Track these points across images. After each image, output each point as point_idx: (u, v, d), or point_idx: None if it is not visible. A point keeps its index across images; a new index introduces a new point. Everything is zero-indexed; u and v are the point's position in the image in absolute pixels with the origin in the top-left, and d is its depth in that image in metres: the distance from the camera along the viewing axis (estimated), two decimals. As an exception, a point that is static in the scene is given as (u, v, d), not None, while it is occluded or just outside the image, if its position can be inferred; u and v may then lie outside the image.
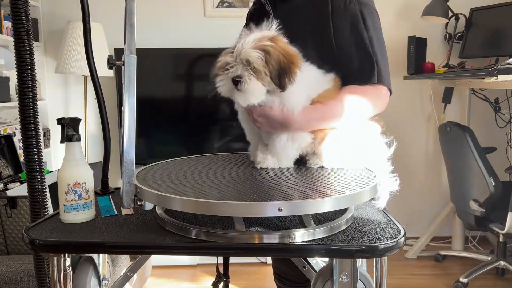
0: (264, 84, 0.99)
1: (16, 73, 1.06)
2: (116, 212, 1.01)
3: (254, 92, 0.99)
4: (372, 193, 0.91)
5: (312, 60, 1.10)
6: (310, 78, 1.07)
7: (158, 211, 0.96)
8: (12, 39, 1.05)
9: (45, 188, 1.12)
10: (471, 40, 2.90)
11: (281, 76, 0.99)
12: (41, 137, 1.10)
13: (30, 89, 1.06)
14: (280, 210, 0.78)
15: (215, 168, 1.10)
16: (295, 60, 1.01)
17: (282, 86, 1.00)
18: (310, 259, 1.01)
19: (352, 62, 1.15)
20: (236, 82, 0.98)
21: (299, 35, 1.13)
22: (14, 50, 1.05)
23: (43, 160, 1.12)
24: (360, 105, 1.13)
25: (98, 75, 1.14)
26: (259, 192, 0.85)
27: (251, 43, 0.98)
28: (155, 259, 2.74)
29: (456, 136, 2.49)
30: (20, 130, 1.09)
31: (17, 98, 1.07)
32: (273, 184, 0.92)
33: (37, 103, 1.10)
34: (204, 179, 0.97)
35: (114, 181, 3.31)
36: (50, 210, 2.04)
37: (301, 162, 1.11)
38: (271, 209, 0.78)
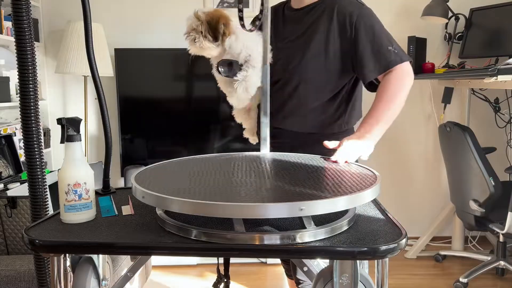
0: (209, 40, 1.35)
1: (17, 73, 1.06)
2: (116, 213, 1.01)
3: (206, 46, 1.36)
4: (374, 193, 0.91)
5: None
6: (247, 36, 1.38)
7: (158, 211, 0.96)
8: (13, 39, 1.05)
9: (46, 188, 1.12)
10: (471, 40, 2.90)
11: (213, 31, 1.36)
12: (42, 137, 1.10)
13: (32, 89, 1.06)
14: (277, 210, 0.78)
15: (215, 168, 1.10)
16: (221, 20, 1.36)
17: (215, 38, 1.36)
18: (311, 260, 1.01)
19: (369, 60, 1.33)
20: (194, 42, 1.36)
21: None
22: (15, 50, 1.05)
23: (43, 160, 1.12)
24: (402, 91, 1.32)
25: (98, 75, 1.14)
26: (259, 192, 0.85)
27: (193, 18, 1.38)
28: (155, 259, 2.74)
29: (456, 136, 2.49)
30: (21, 130, 1.09)
31: (18, 98, 1.07)
32: (273, 184, 0.92)
33: (38, 103, 1.10)
34: (204, 180, 0.97)
35: (115, 181, 3.32)
36: (50, 210, 2.04)
37: (304, 163, 1.11)
38: (269, 210, 0.78)
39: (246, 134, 1.62)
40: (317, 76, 1.37)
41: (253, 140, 1.60)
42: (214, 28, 1.36)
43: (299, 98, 1.40)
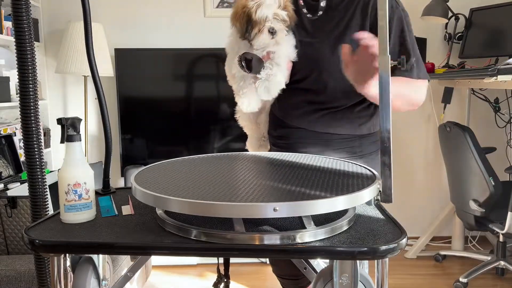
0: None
1: (17, 73, 1.06)
2: (116, 213, 1.01)
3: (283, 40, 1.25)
4: (372, 193, 0.91)
5: None
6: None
7: (158, 211, 0.96)
8: (13, 39, 1.05)
9: (46, 188, 1.12)
10: (471, 40, 2.90)
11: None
12: (42, 137, 1.10)
13: (32, 89, 1.06)
14: (275, 210, 0.78)
15: (215, 168, 1.10)
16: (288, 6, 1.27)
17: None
18: (311, 260, 1.01)
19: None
20: (273, 33, 1.22)
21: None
22: (15, 50, 1.05)
23: (43, 160, 1.12)
24: (407, 88, 1.27)
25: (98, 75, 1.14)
26: (259, 192, 0.85)
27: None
28: (155, 259, 2.74)
29: (456, 136, 2.49)
30: (21, 130, 1.09)
31: (18, 98, 1.07)
32: (272, 184, 0.92)
33: (38, 103, 1.10)
34: (203, 180, 0.97)
35: (115, 181, 3.32)
36: (50, 211, 2.04)
37: (304, 163, 1.11)
38: (267, 210, 0.78)
39: (249, 145, 1.52)
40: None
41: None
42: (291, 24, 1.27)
43: (326, 96, 1.33)
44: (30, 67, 1.05)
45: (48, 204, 1.13)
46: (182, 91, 2.95)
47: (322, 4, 1.33)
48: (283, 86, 1.27)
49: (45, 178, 1.11)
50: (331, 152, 1.34)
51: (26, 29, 1.03)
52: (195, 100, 2.95)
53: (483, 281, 2.60)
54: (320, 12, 1.34)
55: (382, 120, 0.91)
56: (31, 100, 1.06)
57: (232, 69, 1.29)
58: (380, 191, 0.91)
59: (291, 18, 1.26)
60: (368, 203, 0.91)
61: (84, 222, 0.96)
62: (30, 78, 1.06)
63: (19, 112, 1.08)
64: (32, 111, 1.07)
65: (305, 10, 1.36)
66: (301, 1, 1.36)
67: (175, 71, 2.95)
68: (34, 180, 1.09)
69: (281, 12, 1.22)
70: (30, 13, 1.04)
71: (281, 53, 1.26)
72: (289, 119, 1.39)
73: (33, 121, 1.07)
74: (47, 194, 1.12)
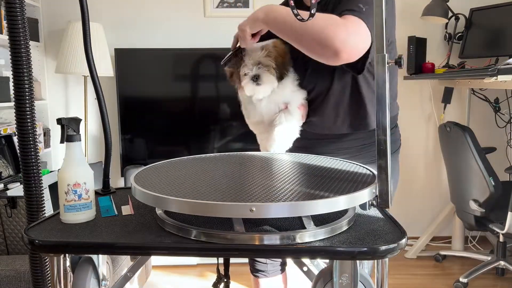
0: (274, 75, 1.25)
1: (11, 73, 1.05)
2: (116, 213, 1.01)
3: (270, 82, 1.25)
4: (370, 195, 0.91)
5: None
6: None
7: (158, 211, 0.96)
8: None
9: (42, 192, 1.11)
10: (471, 40, 2.90)
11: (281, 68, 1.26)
12: (41, 137, 1.10)
13: (27, 91, 1.05)
14: (275, 210, 0.78)
15: (215, 168, 1.10)
16: (287, 56, 1.28)
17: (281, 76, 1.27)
18: (311, 260, 1.01)
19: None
20: (255, 79, 1.25)
21: None
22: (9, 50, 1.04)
23: (40, 162, 1.11)
24: (333, 22, 1.07)
25: (98, 75, 1.14)
26: (259, 192, 0.85)
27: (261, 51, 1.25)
28: (155, 259, 2.74)
29: (456, 136, 2.49)
30: (16, 132, 1.08)
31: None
32: (273, 184, 0.92)
33: (34, 105, 1.08)
34: (203, 180, 0.97)
35: (115, 181, 3.32)
36: (50, 210, 2.04)
37: (304, 163, 1.11)
38: (268, 210, 0.78)
39: (265, 145, 1.47)
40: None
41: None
42: (282, 61, 1.27)
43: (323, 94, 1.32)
44: (25, 68, 1.04)
45: (44, 206, 1.12)
46: (182, 91, 2.95)
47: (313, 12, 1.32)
48: (297, 135, 1.33)
49: (41, 181, 1.10)
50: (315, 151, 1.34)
51: (20, 27, 1.01)
52: (195, 100, 2.95)
53: (483, 281, 2.60)
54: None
55: (379, 121, 0.90)
56: (27, 102, 1.05)
57: (250, 117, 1.37)
58: (376, 195, 0.90)
59: (280, 57, 1.26)
60: (363, 207, 0.91)
61: (84, 222, 0.95)
62: (26, 79, 1.05)
63: (14, 114, 1.07)
64: (28, 113, 1.05)
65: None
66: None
67: (175, 71, 2.95)
68: (29, 184, 1.08)
69: (263, 59, 1.24)
70: (24, 12, 1.02)
71: (295, 102, 1.31)
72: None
73: (29, 124, 1.06)
74: (43, 198, 1.12)
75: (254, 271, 1.53)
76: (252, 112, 1.37)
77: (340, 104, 1.30)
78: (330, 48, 1.06)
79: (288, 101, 1.31)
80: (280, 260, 1.51)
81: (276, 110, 1.33)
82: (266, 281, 1.51)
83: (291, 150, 1.36)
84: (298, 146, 1.37)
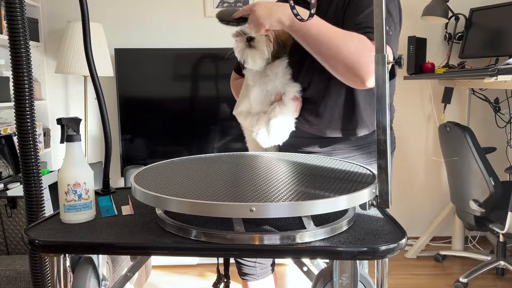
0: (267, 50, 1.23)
1: (11, 73, 1.05)
2: (116, 213, 1.01)
3: (263, 51, 1.23)
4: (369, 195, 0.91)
5: None
6: None
7: (158, 211, 0.96)
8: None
9: (42, 192, 1.11)
10: (471, 40, 2.90)
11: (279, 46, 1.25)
12: (41, 137, 1.10)
13: (27, 91, 1.05)
14: (275, 210, 0.78)
15: (215, 168, 1.10)
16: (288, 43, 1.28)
17: (277, 53, 1.26)
18: (310, 260, 1.01)
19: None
20: (249, 40, 1.23)
21: None
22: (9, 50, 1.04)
23: (40, 162, 1.11)
24: (356, 50, 1.11)
25: (98, 75, 1.14)
26: (259, 192, 0.85)
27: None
28: (155, 259, 2.74)
29: (456, 136, 2.49)
30: (16, 132, 1.08)
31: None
32: (273, 184, 0.92)
33: (34, 105, 1.07)
34: (203, 180, 0.97)
35: (115, 181, 3.31)
36: (50, 210, 2.04)
37: (304, 163, 1.11)
38: (267, 210, 0.78)
39: (251, 146, 1.46)
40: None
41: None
42: (283, 42, 1.26)
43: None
44: (25, 68, 1.04)
45: (44, 207, 1.12)
46: (182, 91, 2.95)
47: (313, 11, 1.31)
48: (293, 128, 1.30)
49: (41, 182, 1.10)
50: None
51: (20, 27, 1.01)
52: (195, 100, 2.95)
53: (483, 281, 2.60)
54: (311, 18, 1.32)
55: (379, 121, 0.90)
56: (27, 102, 1.05)
57: (239, 107, 1.34)
58: (376, 195, 0.90)
59: (283, 35, 1.25)
60: (363, 207, 0.91)
61: (84, 222, 0.96)
62: (26, 79, 1.04)
63: (14, 114, 1.07)
64: (28, 114, 1.05)
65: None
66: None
67: (175, 71, 2.95)
68: (29, 184, 1.08)
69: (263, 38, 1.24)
70: (24, 12, 1.02)
71: (288, 93, 1.29)
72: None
73: (29, 126, 1.05)
74: (43, 196, 1.11)
75: (242, 274, 1.51)
76: (242, 100, 1.34)
77: (335, 106, 1.29)
78: (359, 76, 1.12)
79: (280, 91, 1.29)
80: (270, 261, 1.51)
81: (266, 101, 1.31)
82: (255, 284, 1.50)
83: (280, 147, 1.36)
84: (286, 144, 1.35)
